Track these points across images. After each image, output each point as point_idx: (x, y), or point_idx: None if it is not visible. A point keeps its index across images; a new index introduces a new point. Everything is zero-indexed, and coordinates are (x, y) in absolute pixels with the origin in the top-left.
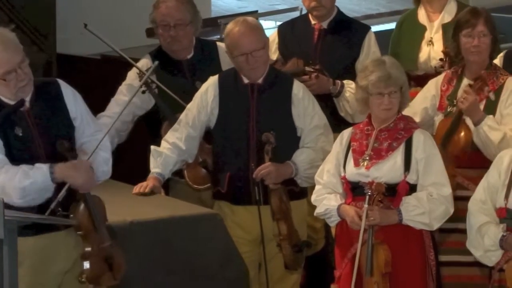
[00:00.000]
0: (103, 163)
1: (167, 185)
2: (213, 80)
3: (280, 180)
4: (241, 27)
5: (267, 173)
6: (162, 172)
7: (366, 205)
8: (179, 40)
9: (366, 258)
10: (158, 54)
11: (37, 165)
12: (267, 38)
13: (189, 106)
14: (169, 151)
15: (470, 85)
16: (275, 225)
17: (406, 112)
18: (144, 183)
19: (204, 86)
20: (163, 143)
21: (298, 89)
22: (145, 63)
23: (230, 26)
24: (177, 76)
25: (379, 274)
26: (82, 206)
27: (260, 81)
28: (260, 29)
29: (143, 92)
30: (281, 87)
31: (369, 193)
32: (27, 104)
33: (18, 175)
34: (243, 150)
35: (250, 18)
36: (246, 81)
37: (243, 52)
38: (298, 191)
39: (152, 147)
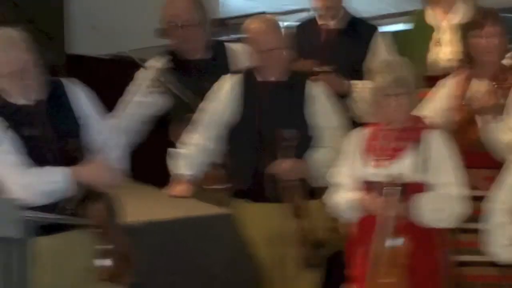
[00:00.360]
0: (116, 162)
1: None
2: (229, 78)
3: (296, 177)
4: (261, 24)
5: (283, 170)
6: (190, 173)
7: (387, 198)
8: (189, 40)
9: (383, 249)
10: (168, 54)
11: (56, 169)
12: (286, 37)
13: (204, 106)
14: (191, 152)
15: (493, 85)
16: (294, 222)
17: (419, 112)
18: (180, 188)
19: (219, 85)
20: (182, 145)
21: (316, 88)
22: (154, 62)
23: (249, 22)
24: (186, 76)
25: (396, 266)
26: (99, 204)
27: (278, 79)
28: (279, 28)
29: (154, 92)
30: (298, 86)
31: (388, 186)
32: (36, 103)
33: (35, 178)
34: (260, 147)
35: (270, 16)
36: (263, 79)
37: (261, 50)
38: (315, 191)
39: (172, 149)
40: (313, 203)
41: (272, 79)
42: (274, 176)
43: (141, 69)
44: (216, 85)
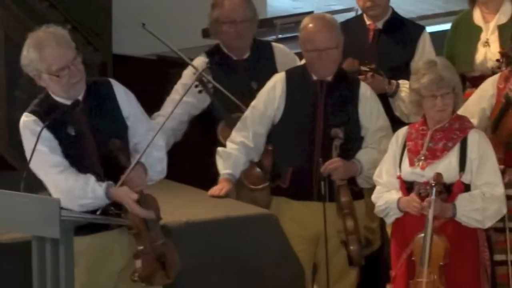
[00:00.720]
0: (157, 162)
1: (215, 183)
2: (280, 76)
3: (346, 177)
4: (319, 23)
5: (335, 168)
6: (233, 172)
7: (433, 197)
8: (243, 36)
9: (423, 248)
10: (214, 53)
11: (94, 186)
12: (342, 37)
13: (253, 103)
14: (237, 151)
15: None
16: (341, 220)
17: (462, 113)
18: (219, 186)
19: (271, 82)
20: (229, 144)
21: (366, 89)
22: (200, 61)
23: (307, 20)
24: (232, 75)
25: (436, 265)
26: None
27: (329, 78)
28: (336, 28)
29: (200, 91)
30: (349, 86)
31: (433, 184)
32: (77, 102)
33: (77, 191)
34: (308, 145)
35: (328, 15)
36: (315, 77)
37: (317, 48)
38: (358, 191)
39: (220, 148)
40: (359, 203)
41: (325, 78)
42: (323, 175)
43: (188, 68)
44: (266, 84)
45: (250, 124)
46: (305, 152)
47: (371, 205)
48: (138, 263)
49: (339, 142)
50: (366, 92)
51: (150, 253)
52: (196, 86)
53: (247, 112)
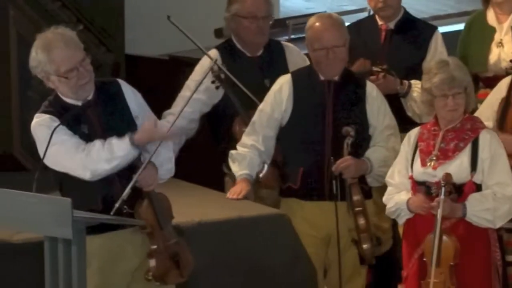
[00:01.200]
0: (166, 161)
1: (223, 182)
2: (286, 78)
3: (357, 175)
4: (325, 21)
5: (346, 167)
6: (250, 173)
7: (442, 197)
8: (264, 33)
9: (433, 248)
10: (226, 49)
11: (117, 142)
12: (348, 36)
13: (261, 107)
14: (251, 153)
15: None
16: (352, 219)
17: (481, 113)
18: (237, 189)
19: (277, 85)
20: (240, 148)
21: (372, 88)
22: (213, 55)
23: (313, 20)
24: (246, 72)
25: (447, 265)
26: (146, 204)
27: (336, 78)
28: (343, 26)
29: (217, 87)
30: (356, 85)
31: (442, 184)
32: (87, 103)
33: (104, 154)
34: (318, 145)
35: (335, 14)
36: (322, 77)
37: (324, 47)
38: (367, 190)
39: (233, 151)
40: (368, 202)
41: (332, 78)
42: (334, 174)
43: (199, 63)
44: (272, 87)
45: (259, 128)
46: (315, 152)
47: (382, 205)
48: (152, 262)
49: (350, 140)
50: (372, 92)
51: (163, 252)
52: (213, 82)
53: (255, 117)
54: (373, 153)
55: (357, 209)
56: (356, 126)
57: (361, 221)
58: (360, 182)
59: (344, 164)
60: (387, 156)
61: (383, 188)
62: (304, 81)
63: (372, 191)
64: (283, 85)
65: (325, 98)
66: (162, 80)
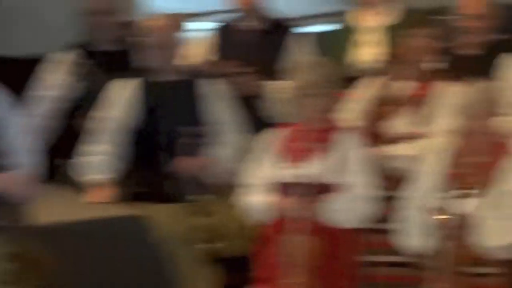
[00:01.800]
0: (28, 162)
1: None
2: (130, 81)
3: (197, 174)
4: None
5: (184, 167)
6: (109, 177)
7: (302, 197)
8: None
9: (290, 250)
10: (81, 46)
11: None
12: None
13: (106, 112)
14: (105, 157)
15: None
16: (198, 220)
17: (341, 113)
18: (100, 193)
19: (121, 89)
20: (91, 153)
21: (210, 85)
22: (66, 56)
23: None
24: (100, 68)
25: (305, 266)
26: (5, 207)
27: (171, 78)
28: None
29: (70, 84)
30: (192, 83)
31: (303, 184)
32: None
33: None
34: (158, 147)
35: None
36: (159, 78)
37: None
38: (213, 188)
39: (82, 158)
40: (215, 200)
41: (167, 78)
42: (173, 174)
43: (50, 64)
44: (113, 90)
45: (105, 132)
46: (155, 155)
47: (231, 204)
48: (12, 265)
49: (185, 141)
50: (211, 89)
51: (22, 255)
52: (68, 79)
53: (97, 122)
54: (214, 151)
55: (196, 210)
56: (192, 126)
57: (203, 222)
58: (206, 179)
59: (180, 165)
60: (229, 152)
61: (236, 188)
62: (143, 83)
63: (222, 188)
64: (125, 89)
65: (162, 100)
66: (22, 79)
